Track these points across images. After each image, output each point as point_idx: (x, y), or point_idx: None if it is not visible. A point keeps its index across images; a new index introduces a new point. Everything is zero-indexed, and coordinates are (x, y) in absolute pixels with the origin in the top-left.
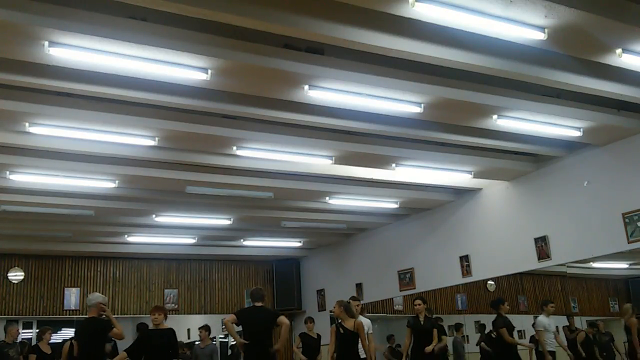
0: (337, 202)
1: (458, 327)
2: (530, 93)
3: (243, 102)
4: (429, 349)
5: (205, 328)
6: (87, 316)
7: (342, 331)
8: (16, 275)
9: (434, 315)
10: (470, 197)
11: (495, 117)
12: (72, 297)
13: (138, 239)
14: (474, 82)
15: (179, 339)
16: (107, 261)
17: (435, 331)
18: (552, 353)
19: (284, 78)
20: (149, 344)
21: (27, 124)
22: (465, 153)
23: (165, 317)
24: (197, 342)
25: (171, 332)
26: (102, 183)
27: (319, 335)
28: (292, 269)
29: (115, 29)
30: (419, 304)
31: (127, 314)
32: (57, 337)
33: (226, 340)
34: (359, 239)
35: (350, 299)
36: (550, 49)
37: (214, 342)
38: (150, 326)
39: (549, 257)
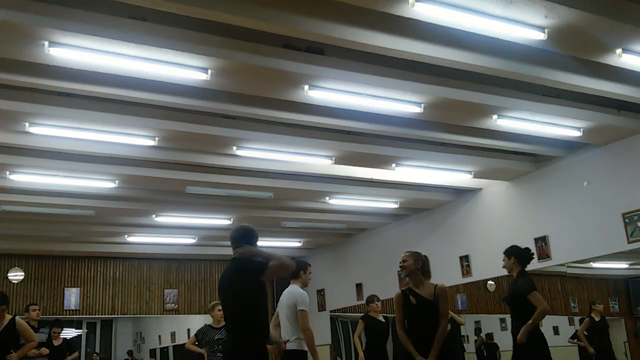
0: (337, 202)
1: None
2: (530, 93)
3: (243, 102)
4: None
5: None
6: None
7: (413, 301)
8: (16, 275)
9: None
10: (470, 197)
11: (495, 117)
12: (72, 297)
13: (138, 239)
14: (474, 82)
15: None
16: (107, 261)
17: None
18: None
19: (284, 78)
20: None
21: (27, 124)
22: (465, 153)
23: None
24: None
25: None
26: (102, 183)
27: (387, 319)
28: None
29: (115, 29)
30: None
31: (127, 314)
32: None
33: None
34: (359, 239)
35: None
36: (550, 49)
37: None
38: None
39: (549, 257)
